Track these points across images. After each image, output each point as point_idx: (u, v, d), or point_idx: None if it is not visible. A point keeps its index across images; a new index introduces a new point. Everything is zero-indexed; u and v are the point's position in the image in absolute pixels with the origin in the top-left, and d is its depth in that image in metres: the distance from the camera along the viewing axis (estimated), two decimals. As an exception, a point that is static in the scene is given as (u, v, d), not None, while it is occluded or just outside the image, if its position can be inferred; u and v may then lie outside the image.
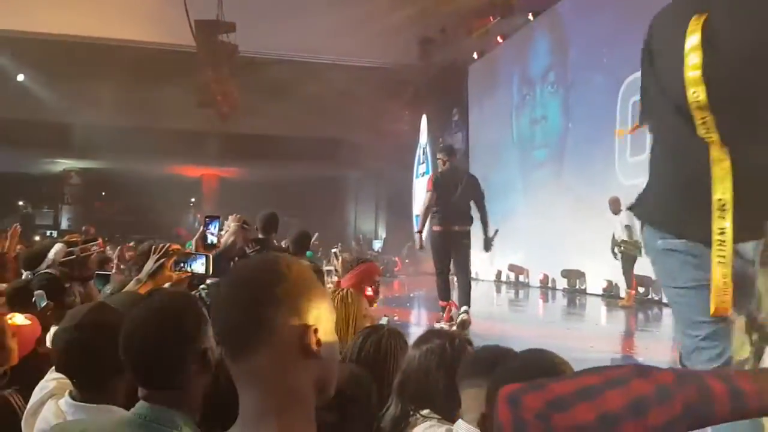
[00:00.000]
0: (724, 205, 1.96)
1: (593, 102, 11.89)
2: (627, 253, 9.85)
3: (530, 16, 13.98)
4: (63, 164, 26.41)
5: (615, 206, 10.15)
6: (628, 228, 9.82)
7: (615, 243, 10.07)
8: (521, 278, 13.98)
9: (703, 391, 0.86)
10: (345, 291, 3.30)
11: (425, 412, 1.94)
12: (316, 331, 1.02)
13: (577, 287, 11.99)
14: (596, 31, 11.80)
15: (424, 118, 19.43)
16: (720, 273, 1.96)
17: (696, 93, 1.98)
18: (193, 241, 2.95)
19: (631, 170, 10.88)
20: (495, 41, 15.22)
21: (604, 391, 0.85)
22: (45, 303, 2.86)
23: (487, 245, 7.62)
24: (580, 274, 11.91)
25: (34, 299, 3.12)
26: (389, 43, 16.67)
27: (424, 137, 19.60)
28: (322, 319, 1.05)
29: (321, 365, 1.04)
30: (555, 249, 12.32)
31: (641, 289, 10.24)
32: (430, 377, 1.96)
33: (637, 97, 8.69)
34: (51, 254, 3.61)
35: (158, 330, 1.48)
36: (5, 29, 16.03)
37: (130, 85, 18.44)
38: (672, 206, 2.20)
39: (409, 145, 20.00)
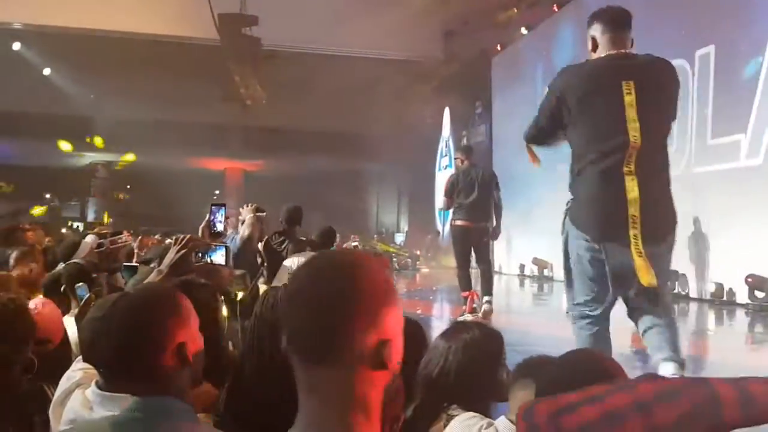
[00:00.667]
0: (635, 218, 3.00)
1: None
2: None
3: (555, 7, 13.82)
4: (89, 157, 26.73)
5: None
6: None
7: None
8: (545, 272, 13.86)
9: (711, 393, 0.87)
10: None
11: (453, 407, 1.91)
12: (391, 344, 1.00)
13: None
14: (622, 22, 11.62)
15: (446, 111, 19.34)
16: (640, 260, 2.97)
17: (636, 137, 3.04)
18: (200, 229, 2.94)
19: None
20: (519, 33, 15.08)
21: (612, 393, 0.90)
22: (87, 295, 2.88)
23: (495, 234, 8.06)
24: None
25: (62, 288, 3.16)
26: (412, 35, 16.60)
27: (446, 130, 19.52)
28: (397, 330, 1.03)
29: (391, 376, 1.03)
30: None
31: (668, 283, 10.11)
32: (464, 371, 1.92)
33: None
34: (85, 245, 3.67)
35: (120, 329, 1.47)
36: (32, 23, 16.23)
37: (155, 78, 18.58)
38: (593, 218, 3.21)
39: (431, 138, 19.93)
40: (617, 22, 3.42)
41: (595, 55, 3.37)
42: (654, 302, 3.11)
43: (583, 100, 3.16)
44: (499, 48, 16.03)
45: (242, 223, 4.93)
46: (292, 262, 4.67)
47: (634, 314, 3.25)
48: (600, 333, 3.22)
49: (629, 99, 3.10)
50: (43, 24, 16.06)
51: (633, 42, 3.39)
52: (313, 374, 1.00)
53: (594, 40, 3.39)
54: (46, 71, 19.40)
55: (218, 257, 2.60)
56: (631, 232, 2.98)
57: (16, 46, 17.97)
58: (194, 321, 1.55)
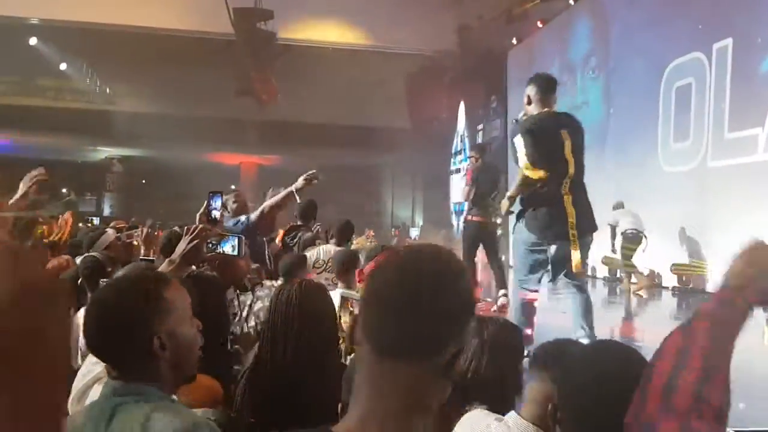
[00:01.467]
0: (573, 224, 4.38)
1: (635, 88, 11.64)
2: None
3: (571, 1, 13.73)
4: (105, 152, 26.92)
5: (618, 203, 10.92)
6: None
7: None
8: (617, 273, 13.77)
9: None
10: None
11: (476, 404, 1.88)
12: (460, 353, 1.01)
13: (617, 276, 11.80)
14: (639, 15, 11.53)
15: (461, 106, 19.26)
16: (576, 253, 4.40)
17: (571, 168, 4.38)
18: (197, 217, 2.95)
19: (675, 157, 10.64)
20: (534, 26, 14.98)
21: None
22: None
23: None
24: (621, 264, 11.71)
25: (79, 281, 3.20)
26: (427, 29, 16.54)
27: (461, 125, 19.44)
28: (467, 338, 1.04)
29: (447, 384, 1.03)
30: (595, 237, 12.12)
31: (684, 278, 10.04)
32: (487, 368, 1.90)
33: (680, 82, 8.50)
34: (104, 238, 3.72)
35: (99, 318, 1.52)
36: (49, 19, 16.34)
37: (170, 73, 18.66)
38: (540, 222, 4.51)
39: (446, 132, 19.86)
40: (548, 87, 4.74)
41: (530, 108, 4.73)
42: (580, 282, 4.55)
43: (537, 142, 4.44)
44: (514, 42, 15.93)
45: (226, 210, 4.96)
46: (309, 255, 4.69)
47: (564, 293, 4.71)
48: (529, 300, 4.79)
49: (567, 143, 4.44)
50: (60, 19, 16.17)
51: (556, 99, 4.80)
52: (386, 366, 0.98)
53: (529, 97, 4.75)
54: (63, 66, 19.55)
55: (229, 248, 2.60)
56: (571, 233, 4.40)
57: (33, 41, 18.12)
58: (180, 314, 1.55)
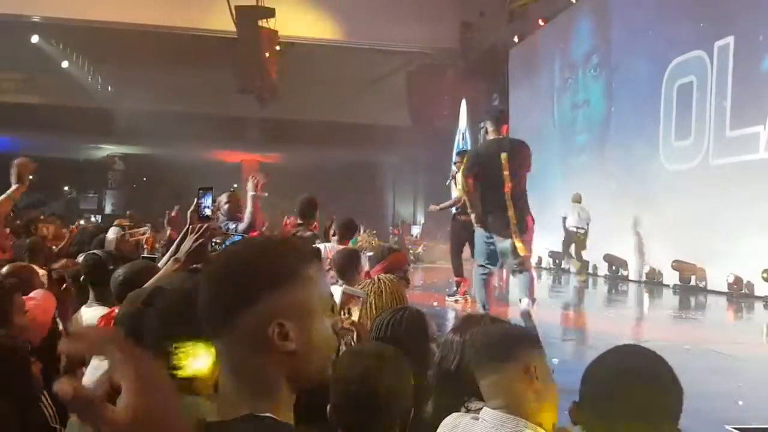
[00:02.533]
0: (513, 223, 5.59)
1: (637, 86, 11.64)
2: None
3: (572, -1, 13.72)
4: (106, 150, 26.92)
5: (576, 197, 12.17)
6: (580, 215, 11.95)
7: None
8: (561, 264, 13.81)
9: None
10: (377, 281, 3.22)
11: (473, 400, 1.89)
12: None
13: (619, 273, 11.81)
14: (640, 13, 11.53)
15: (463, 103, 19.25)
16: (519, 242, 5.61)
17: (508, 182, 5.58)
18: (188, 214, 2.95)
19: (676, 155, 10.65)
20: (536, 24, 14.97)
21: None
22: None
23: None
24: (622, 261, 11.72)
25: (81, 278, 3.21)
26: (428, 27, 16.55)
27: (463, 122, 19.43)
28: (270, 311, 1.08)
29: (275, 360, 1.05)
30: (596, 235, 12.14)
31: (684, 275, 10.05)
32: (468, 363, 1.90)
33: (682, 81, 8.55)
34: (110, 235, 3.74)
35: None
36: (50, 17, 16.35)
37: (172, 71, 18.67)
38: (491, 223, 5.72)
39: (448, 130, 19.85)
40: (499, 119, 6.03)
41: (487, 137, 6.09)
42: (524, 265, 5.75)
43: (486, 164, 5.79)
44: (516, 40, 15.93)
45: (218, 210, 5.01)
46: None
47: (514, 274, 5.98)
48: (487, 279, 6.02)
49: (505, 163, 5.68)
50: (62, 17, 16.17)
51: (508, 128, 6.09)
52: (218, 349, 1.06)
53: (486, 129, 6.10)
54: (65, 64, 19.55)
55: None
56: (512, 229, 5.64)
57: (35, 39, 18.12)
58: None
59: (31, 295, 2.95)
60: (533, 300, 5.71)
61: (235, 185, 26.22)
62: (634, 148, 11.47)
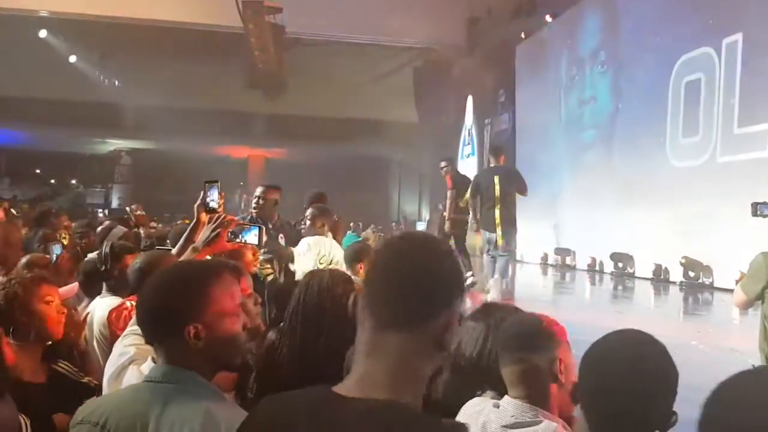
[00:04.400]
0: (499, 225, 8.62)
1: (644, 82, 11.61)
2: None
3: (580, -5, 13.68)
4: (113, 144, 27.01)
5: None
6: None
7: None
8: (568, 261, 13.81)
9: None
10: None
11: (492, 394, 1.90)
12: (453, 329, 1.17)
13: (625, 270, 11.80)
14: (648, 9, 11.49)
15: (469, 99, 19.24)
16: (500, 237, 8.62)
17: (499, 199, 8.68)
18: (195, 207, 2.97)
19: (683, 152, 10.63)
20: (543, 20, 14.94)
21: None
22: None
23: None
24: (629, 258, 11.72)
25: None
26: (435, 23, 16.54)
27: (469, 118, 19.43)
28: (456, 312, 1.19)
29: (437, 354, 1.15)
30: (603, 232, 12.13)
31: (691, 273, 10.04)
32: (490, 356, 1.92)
33: (689, 77, 8.51)
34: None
35: (144, 298, 1.65)
36: (58, 11, 16.40)
37: (179, 66, 18.72)
38: (487, 224, 8.75)
39: (454, 126, 19.86)
40: (495, 153, 9.17)
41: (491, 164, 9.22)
42: (501, 252, 8.41)
43: (483, 184, 8.67)
44: (523, 36, 15.90)
45: (256, 201, 5.08)
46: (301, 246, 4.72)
47: (495, 258, 8.51)
48: (491, 260, 8.61)
49: (497, 186, 8.54)
50: (69, 11, 16.22)
51: (504, 158, 9.21)
52: (385, 337, 1.10)
53: (489, 159, 9.56)
54: (72, 59, 19.61)
55: (251, 237, 2.63)
56: (497, 228, 8.44)
57: (43, 33, 18.19)
58: (223, 309, 1.60)
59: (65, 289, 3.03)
60: (506, 280, 8.60)
61: (242, 183, 26.37)
62: (641, 145, 11.45)
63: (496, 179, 8.55)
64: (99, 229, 5.33)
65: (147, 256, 2.84)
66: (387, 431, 1.00)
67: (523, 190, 8.71)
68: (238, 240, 2.60)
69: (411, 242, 1.19)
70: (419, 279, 1.11)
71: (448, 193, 9.75)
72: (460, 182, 9.70)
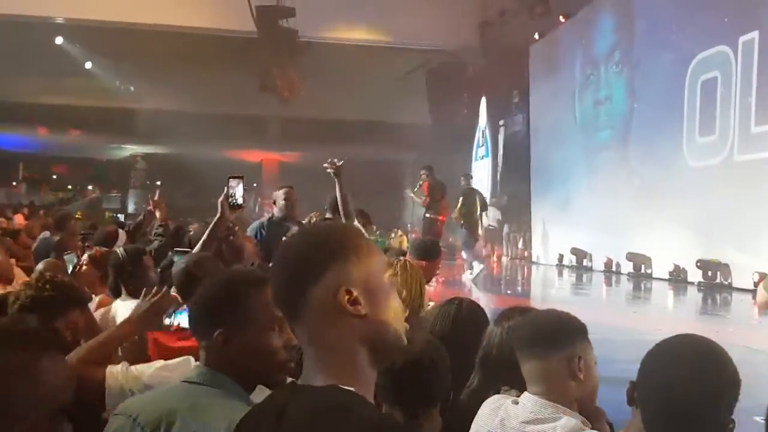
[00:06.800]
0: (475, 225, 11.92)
1: (660, 81, 11.54)
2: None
3: (594, -5, 13.62)
4: (129, 149, 27.19)
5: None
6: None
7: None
8: (584, 262, 13.73)
9: None
10: (404, 260, 3.32)
11: (505, 388, 1.93)
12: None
13: (642, 271, 11.73)
14: (663, 8, 11.43)
15: (483, 101, 19.21)
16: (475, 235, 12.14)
17: (478, 210, 12.04)
18: (219, 203, 2.95)
19: (700, 151, 10.55)
20: (557, 21, 14.89)
21: None
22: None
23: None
24: (646, 258, 11.64)
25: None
26: (448, 25, 16.52)
27: (483, 120, 19.40)
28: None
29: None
30: (619, 232, 12.06)
31: (709, 273, 9.95)
32: (514, 355, 1.93)
33: (706, 76, 8.45)
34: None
35: (195, 299, 1.71)
36: (73, 18, 16.53)
37: (193, 71, 18.81)
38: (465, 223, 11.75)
39: (468, 128, 19.82)
40: (471, 179, 12.65)
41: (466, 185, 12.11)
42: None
43: (469, 200, 11.79)
44: (536, 37, 15.86)
45: (275, 203, 5.11)
46: None
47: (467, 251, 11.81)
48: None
49: (478, 204, 11.84)
50: (85, 18, 16.35)
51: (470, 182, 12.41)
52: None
53: (465, 179, 12.31)
54: (88, 65, 19.76)
55: (184, 319, 2.46)
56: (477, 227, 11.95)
57: (59, 40, 18.34)
58: (259, 323, 1.63)
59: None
60: (471, 269, 10.95)
61: (255, 184, 26.45)
62: (658, 145, 11.38)
63: (479, 199, 11.88)
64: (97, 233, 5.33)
65: (191, 257, 2.86)
66: (317, 416, 0.98)
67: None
68: (169, 321, 2.50)
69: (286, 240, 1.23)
70: (281, 269, 1.11)
71: (422, 200, 11.41)
72: (436, 189, 11.30)
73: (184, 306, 2.54)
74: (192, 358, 1.93)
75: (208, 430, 1.47)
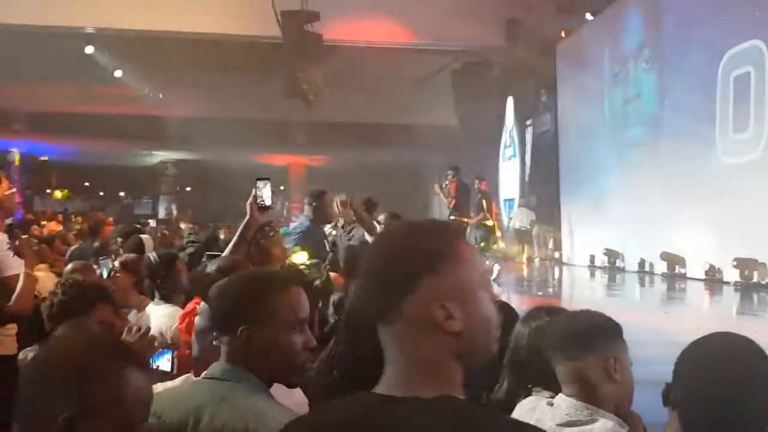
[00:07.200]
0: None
1: (691, 78, 11.34)
2: None
3: (621, -9, 13.46)
4: (159, 156, 27.54)
5: None
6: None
7: None
8: (617, 262, 13.55)
9: None
10: None
11: (536, 389, 1.92)
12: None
13: (677, 271, 11.54)
14: (692, 2, 11.27)
15: (510, 100, 19.08)
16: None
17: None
18: (247, 205, 2.96)
19: (734, 148, 10.36)
20: (584, 18, 14.75)
21: None
22: None
23: None
24: (680, 258, 11.45)
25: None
26: (474, 25, 16.43)
27: (510, 120, 19.26)
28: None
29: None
30: (652, 232, 11.88)
31: (746, 272, 9.75)
32: (542, 355, 1.92)
33: (738, 71, 8.27)
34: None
35: (215, 297, 1.73)
36: (103, 27, 16.78)
37: (220, 77, 18.99)
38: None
39: (494, 128, 19.71)
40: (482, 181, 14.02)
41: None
42: None
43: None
44: (563, 35, 15.72)
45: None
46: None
47: None
48: None
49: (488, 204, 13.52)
50: (114, 27, 16.58)
51: (486, 183, 14.08)
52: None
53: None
54: (117, 73, 20.04)
55: (164, 362, 2.38)
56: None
57: (89, 49, 18.63)
58: (281, 322, 1.64)
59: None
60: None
61: (282, 187, 26.61)
62: (690, 142, 11.18)
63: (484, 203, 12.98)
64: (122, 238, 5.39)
65: (222, 260, 2.88)
66: (457, 428, 0.96)
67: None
68: (150, 365, 2.45)
69: (381, 234, 1.19)
70: (373, 273, 1.07)
71: (448, 200, 11.60)
72: (462, 191, 11.45)
73: (161, 350, 2.48)
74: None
75: (238, 423, 1.50)
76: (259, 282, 1.71)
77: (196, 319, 2.02)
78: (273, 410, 1.55)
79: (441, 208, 26.91)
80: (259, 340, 1.61)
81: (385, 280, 1.06)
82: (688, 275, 11.22)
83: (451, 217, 11.63)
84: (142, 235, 5.00)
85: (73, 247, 6.17)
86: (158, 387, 1.81)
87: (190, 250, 4.01)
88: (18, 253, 3.23)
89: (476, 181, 12.64)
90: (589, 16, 14.61)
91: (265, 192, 2.90)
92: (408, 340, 1.04)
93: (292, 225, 5.68)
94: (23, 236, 3.92)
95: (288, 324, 1.64)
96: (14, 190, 3.81)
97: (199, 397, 1.57)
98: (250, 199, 2.98)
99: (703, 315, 8.77)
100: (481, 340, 1.07)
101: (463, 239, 1.13)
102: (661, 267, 11.88)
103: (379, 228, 4.90)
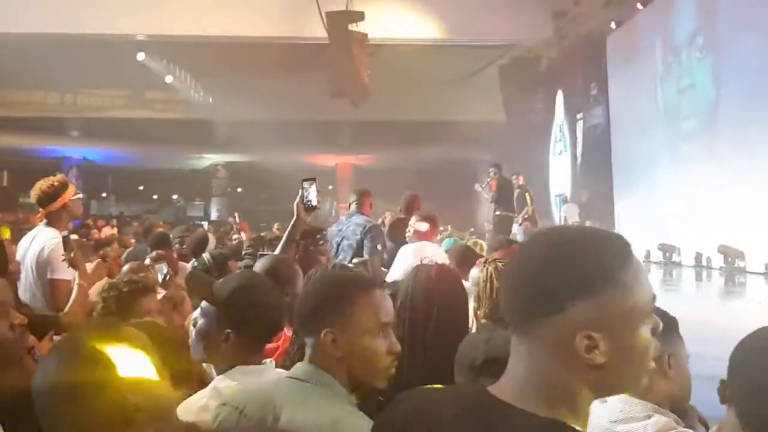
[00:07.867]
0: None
1: (747, 66, 10.98)
2: None
3: (673, -21, 13.11)
4: (210, 159, 28.03)
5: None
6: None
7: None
8: (673, 257, 13.21)
9: None
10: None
11: None
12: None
13: (735, 265, 11.19)
14: (749, -12, 10.90)
15: (559, 94, 18.77)
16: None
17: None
18: (294, 205, 2.97)
19: (795, 137, 9.98)
20: (634, 8, 14.41)
21: None
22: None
23: None
24: (739, 252, 11.10)
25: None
26: (520, 18, 16.24)
27: (560, 114, 18.96)
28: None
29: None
30: (709, 225, 11.54)
31: (729, 259, 9.38)
32: None
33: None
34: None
35: (300, 299, 1.81)
36: (154, 34, 17.16)
37: (267, 80, 19.21)
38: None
39: (544, 123, 19.43)
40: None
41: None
42: None
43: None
44: (613, 26, 15.39)
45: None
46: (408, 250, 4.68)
47: None
48: None
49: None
50: (164, 34, 16.93)
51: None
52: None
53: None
54: (169, 79, 20.47)
55: None
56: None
57: (141, 56, 19.07)
58: (363, 324, 1.65)
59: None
60: None
61: (330, 187, 26.77)
62: (747, 132, 10.82)
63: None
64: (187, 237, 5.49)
65: (268, 260, 2.90)
66: None
67: None
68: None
69: (541, 235, 1.05)
70: (529, 274, 0.98)
71: (491, 195, 11.63)
72: (505, 187, 11.55)
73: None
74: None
75: (312, 427, 1.51)
76: (342, 284, 1.73)
77: (198, 320, 2.01)
78: (349, 417, 1.55)
79: (490, 206, 26.70)
80: (343, 344, 1.62)
81: (532, 293, 0.97)
82: (748, 269, 10.87)
83: (497, 213, 11.66)
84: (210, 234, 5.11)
85: (128, 250, 6.32)
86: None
87: (248, 261, 4.05)
88: (72, 264, 3.28)
89: (513, 177, 12.51)
90: (639, 6, 14.27)
91: (311, 192, 2.91)
92: (542, 360, 0.97)
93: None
94: (82, 240, 4.01)
95: (371, 328, 1.64)
96: (80, 195, 3.92)
97: (281, 396, 1.60)
98: (297, 199, 2.99)
99: (763, 309, 8.47)
100: (628, 373, 0.98)
101: (631, 260, 0.99)
102: (718, 261, 11.54)
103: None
